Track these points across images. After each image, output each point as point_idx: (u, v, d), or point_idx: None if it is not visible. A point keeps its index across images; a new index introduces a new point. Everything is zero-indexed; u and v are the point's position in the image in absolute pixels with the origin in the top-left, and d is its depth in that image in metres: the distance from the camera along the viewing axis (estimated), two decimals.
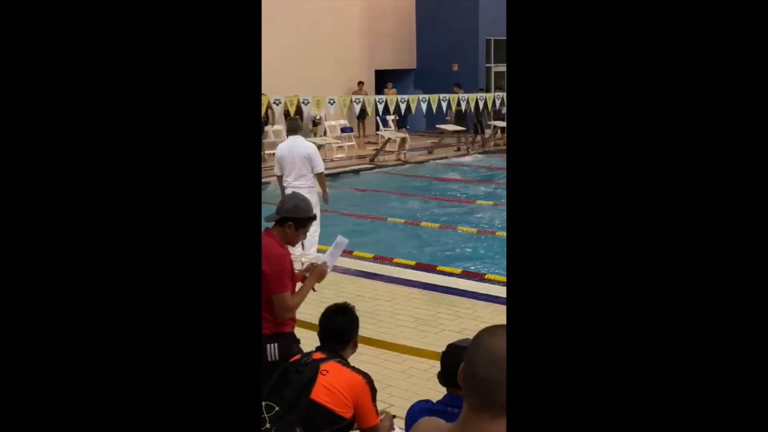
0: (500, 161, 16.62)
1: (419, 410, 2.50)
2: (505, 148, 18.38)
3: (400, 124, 19.04)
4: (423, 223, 10.18)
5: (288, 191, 6.65)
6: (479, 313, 6.03)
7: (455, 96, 16.77)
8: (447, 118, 18.47)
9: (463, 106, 16.84)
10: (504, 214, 10.68)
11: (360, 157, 16.37)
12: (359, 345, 3.29)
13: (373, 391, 2.97)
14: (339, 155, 16.59)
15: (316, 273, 3.79)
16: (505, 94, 18.67)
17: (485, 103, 17.63)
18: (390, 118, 18.46)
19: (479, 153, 17.54)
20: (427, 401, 2.66)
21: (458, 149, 17.95)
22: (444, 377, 2.61)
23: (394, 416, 3.16)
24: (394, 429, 3.06)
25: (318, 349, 3.10)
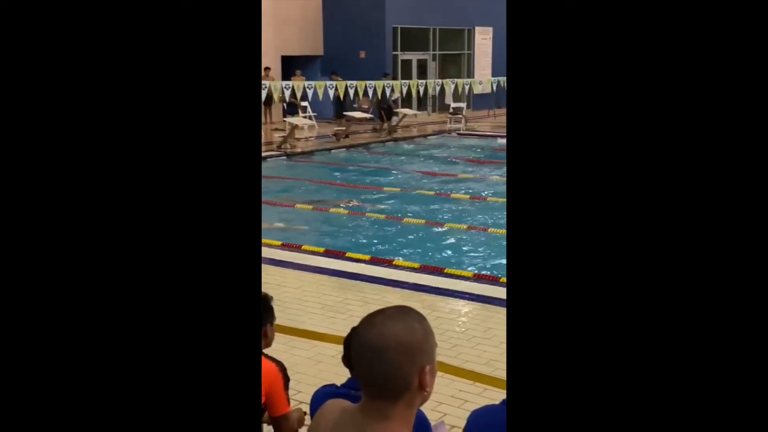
0: (408, 147, 16.78)
1: (323, 395, 2.51)
2: (412, 134, 18.61)
3: (304, 110, 18.93)
4: (332, 210, 10.19)
5: None
6: (387, 299, 6.10)
7: (362, 83, 16.80)
8: (355, 105, 18.48)
9: (340, 94, 16.83)
10: (413, 201, 10.81)
11: (267, 143, 16.19)
12: None
13: (286, 379, 2.96)
14: None
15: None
16: (411, 81, 18.83)
17: (392, 90, 17.72)
18: (299, 104, 18.33)
19: (389, 140, 17.64)
20: (331, 385, 2.67)
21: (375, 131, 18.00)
22: (347, 360, 2.63)
23: (305, 413, 3.16)
24: (304, 423, 3.06)
25: None
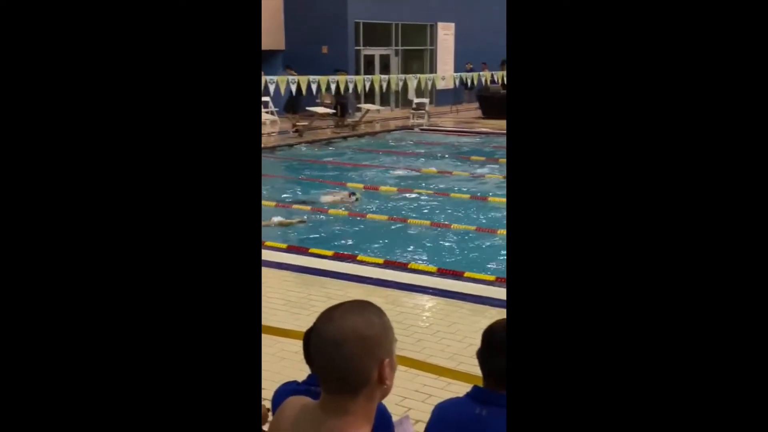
0: (371, 143, 16.77)
1: (284, 392, 2.50)
2: (375, 130, 18.61)
3: (266, 106, 18.82)
4: (294, 206, 10.14)
5: None
6: (351, 295, 6.09)
7: (324, 78, 16.75)
8: (317, 100, 18.42)
9: (293, 89, 16.81)
10: (375, 196, 10.80)
11: None
12: None
13: None
14: None
15: None
16: (374, 77, 18.82)
17: (355, 86, 17.70)
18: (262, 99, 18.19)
19: (351, 136, 17.62)
20: (293, 382, 2.66)
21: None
22: (307, 356, 2.62)
23: (268, 409, 3.14)
24: (267, 420, 3.05)
25: None
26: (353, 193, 10.30)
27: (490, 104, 20.55)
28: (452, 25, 23.98)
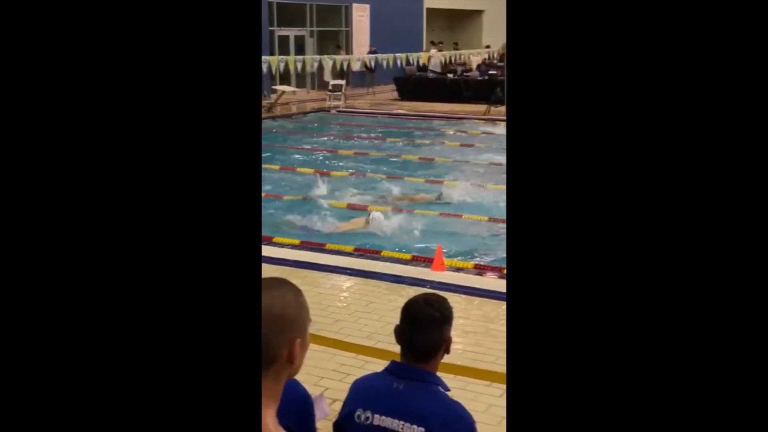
0: (287, 125, 16.63)
1: None
2: (291, 112, 18.45)
3: None
4: None
5: None
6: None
7: None
8: None
9: None
10: (292, 178, 10.72)
11: None
12: None
13: None
14: None
15: None
16: (289, 58, 18.62)
17: (269, 67, 17.49)
18: None
19: (267, 117, 17.42)
20: None
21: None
22: None
23: None
24: None
25: None
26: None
27: (406, 86, 20.65)
28: (367, 6, 23.94)
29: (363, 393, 2.07)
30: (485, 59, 21.83)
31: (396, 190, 9.86)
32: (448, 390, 2.03)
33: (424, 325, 1.99)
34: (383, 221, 8.21)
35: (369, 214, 8.47)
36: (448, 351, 2.05)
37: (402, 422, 1.96)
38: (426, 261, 6.65)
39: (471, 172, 11.30)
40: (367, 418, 2.00)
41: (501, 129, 15.56)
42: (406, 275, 6.20)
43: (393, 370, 2.06)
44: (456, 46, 24.48)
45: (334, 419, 2.14)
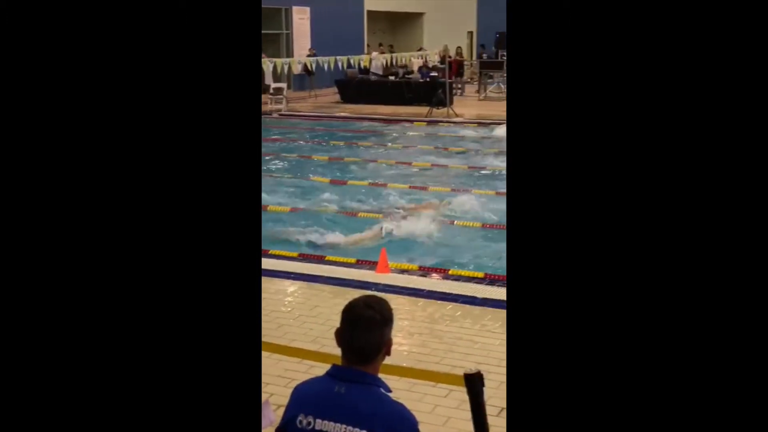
0: None
1: None
2: None
3: None
4: None
5: None
6: None
7: None
8: None
9: None
10: None
11: None
12: None
13: None
14: None
15: None
16: None
17: None
18: None
19: None
20: None
21: None
22: None
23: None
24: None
25: None
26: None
27: (347, 89, 20.63)
28: (308, 9, 23.85)
29: (304, 398, 2.05)
30: (425, 61, 21.94)
31: (336, 193, 9.83)
32: (390, 391, 2.02)
33: (365, 327, 1.97)
34: (396, 232, 7.88)
35: (381, 226, 8.09)
36: (388, 353, 2.04)
37: (344, 426, 1.94)
38: (370, 264, 6.63)
39: (414, 174, 11.34)
40: (309, 423, 1.98)
41: (443, 130, 15.66)
42: (350, 278, 6.17)
43: (334, 373, 2.04)
44: (391, 49, 24.54)
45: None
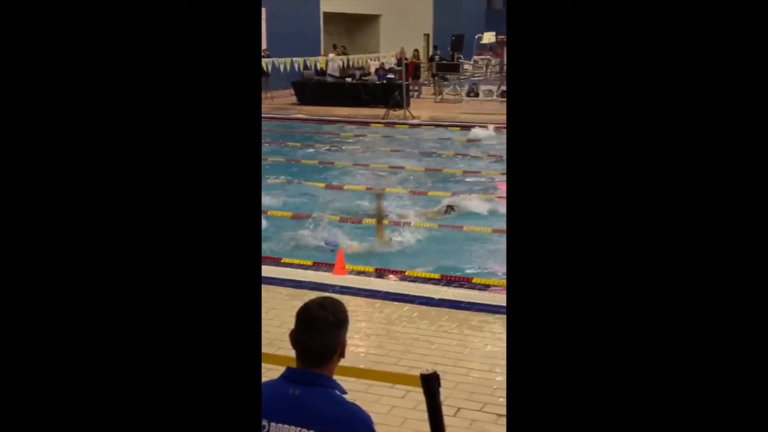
0: None
1: None
2: None
3: None
4: None
5: None
6: None
7: None
8: None
9: None
10: None
11: None
12: None
13: None
14: None
15: None
16: None
17: None
18: None
19: None
20: None
21: None
22: None
23: None
24: None
25: None
26: (450, 207, 8.66)
27: (304, 90, 20.55)
28: (263, 10, 23.70)
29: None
30: (382, 63, 21.98)
31: (297, 196, 9.78)
32: (345, 393, 2.01)
33: (319, 329, 1.96)
34: (400, 236, 7.65)
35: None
36: (342, 355, 2.03)
37: (299, 428, 1.93)
38: (327, 266, 6.61)
39: (371, 175, 11.34)
40: (263, 427, 1.95)
41: (400, 132, 15.70)
42: (307, 280, 6.14)
43: (288, 376, 2.02)
44: (344, 50, 24.54)
45: None
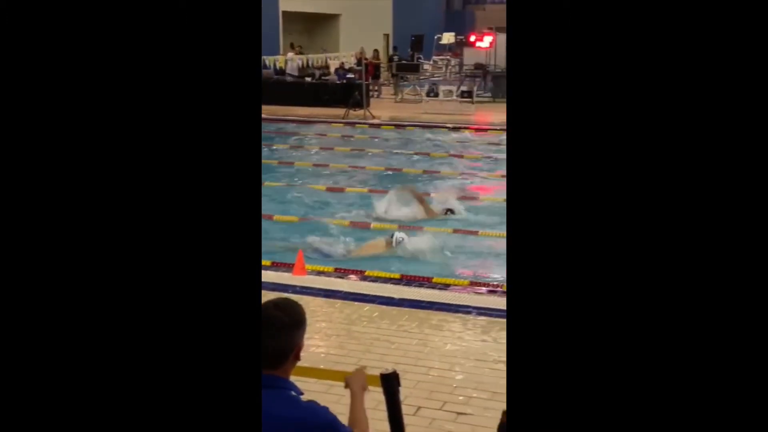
0: None
1: None
2: None
3: None
4: None
5: None
6: None
7: None
8: None
9: None
10: None
11: None
12: None
13: None
14: None
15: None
16: None
17: None
18: None
19: None
20: None
21: None
22: None
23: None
24: None
25: None
26: (450, 210, 8.40)
27: (263, 90, 20.39)
28: None
29: None
30: (342, 63, 21.94)
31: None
32: (302, 394, 2.00)
33: (274, 331, 1.94)
34: (410, 242, 7.28)
35: (393, 235, 7.43)
36: (298, 357, 2.01)
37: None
38: (287, 266, 6.57)
39: (330, 175, 11.31)
40: None
41: (359, 132, 15.68)
42: (266, 281, 6.09)
43: None
44: (301, 50, 24.44)
45: None
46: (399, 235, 7.37)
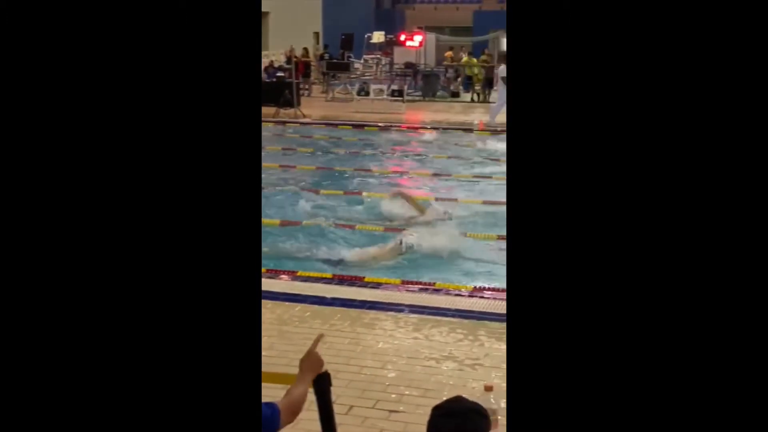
0: None
1: None
2: None
3: None
4: None
5: None
6: None
7: None
8: None
9: None
10: None
11: None
12: None
13: None
14: None
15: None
16: None
17: None
18: None
19: None
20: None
21: None
22: None
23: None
24: None
25: None
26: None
27: None
28: None
29: None
30: (272, 61, 21.76)
31: None
32: None
33: None
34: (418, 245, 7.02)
35: (400, 239, 7.19)
36: None
37: None
38: None
39: (264, 174, 11.20)
40: None
41: (291, 130, 15.59)
42: None
43: None
44: None
45: None
46: (407, 240, 7.17)
